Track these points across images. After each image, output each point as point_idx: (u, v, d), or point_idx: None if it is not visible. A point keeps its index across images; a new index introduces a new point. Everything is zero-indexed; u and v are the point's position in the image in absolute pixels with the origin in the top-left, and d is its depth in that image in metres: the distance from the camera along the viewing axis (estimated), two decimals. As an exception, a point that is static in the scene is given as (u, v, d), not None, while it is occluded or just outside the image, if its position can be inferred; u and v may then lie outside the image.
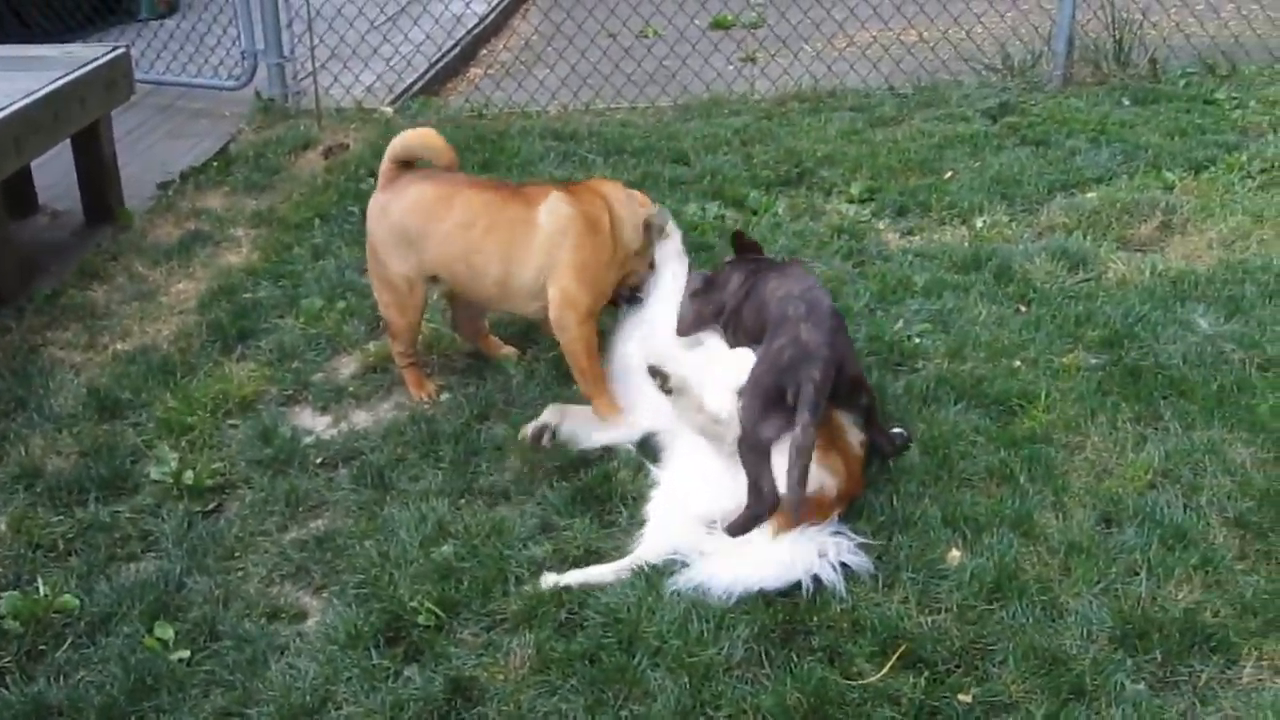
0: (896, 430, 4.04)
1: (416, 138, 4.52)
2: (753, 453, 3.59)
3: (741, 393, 3.69)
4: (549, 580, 3.50)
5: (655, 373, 3.70)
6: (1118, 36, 7.98)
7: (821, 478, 3.64)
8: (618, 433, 4.17)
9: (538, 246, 4.22)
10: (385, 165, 4.43)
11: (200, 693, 3.21)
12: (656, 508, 3.74)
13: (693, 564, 3.49)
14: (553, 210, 4.24)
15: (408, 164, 4.45)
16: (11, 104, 5.41)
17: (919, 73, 8.25)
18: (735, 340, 4.06)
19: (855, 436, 3.87)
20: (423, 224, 4.32)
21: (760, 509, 3.54)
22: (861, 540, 3.54)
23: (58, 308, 5.31)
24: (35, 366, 4.80)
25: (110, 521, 3.90)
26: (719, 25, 10.06)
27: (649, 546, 3.62)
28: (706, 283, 4.25)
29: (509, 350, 4.76)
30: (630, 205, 4.39)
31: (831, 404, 3.71)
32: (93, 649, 3.37)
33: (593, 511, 3.81)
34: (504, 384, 4.52)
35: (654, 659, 3.20)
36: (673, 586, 3.42)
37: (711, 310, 4.19)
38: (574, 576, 3.52)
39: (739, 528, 3.54)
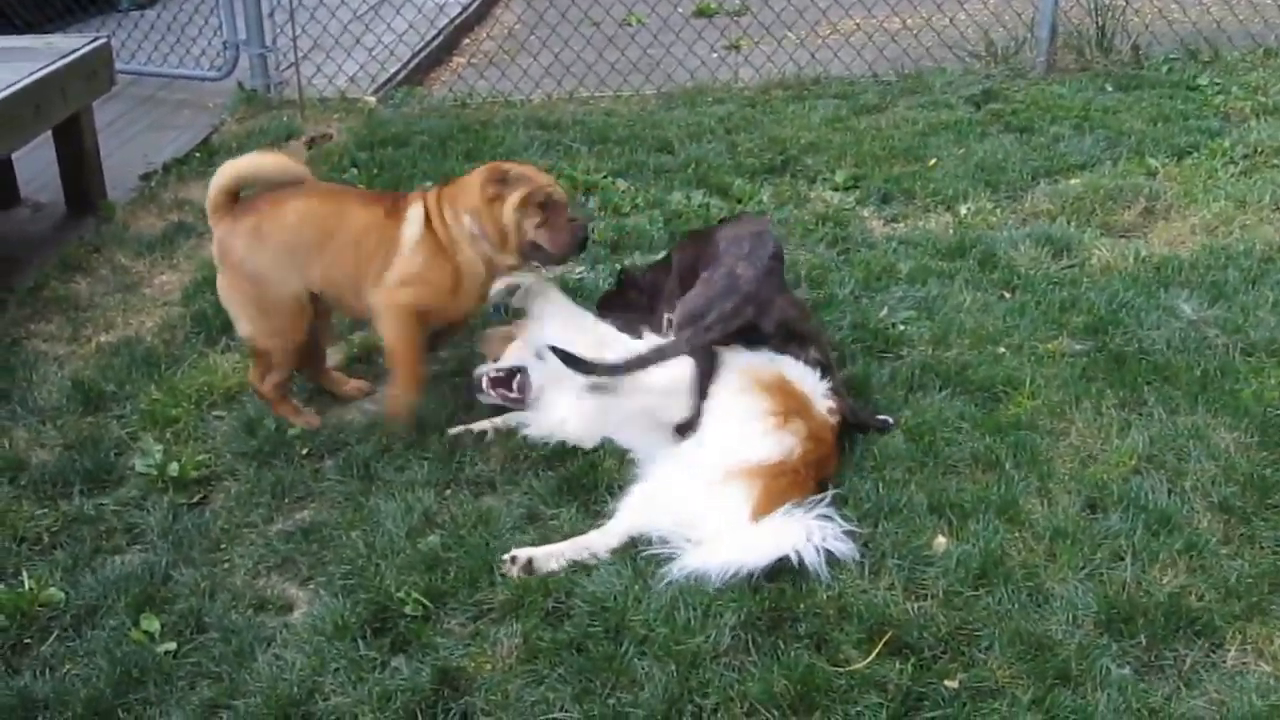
0: (881, 417, 4.05)
1: (250, 164, 4.30)
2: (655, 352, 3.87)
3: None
4: (515, 554, 3.52)
5: (595, 387, 3.93)
6: (1101, 23, 7.99)
7: (786, 441, 3.67)
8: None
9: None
10: (218, 196, 4.15)
11: (187, 685, 3.20)
12: (633, 494, 3.74)
13: (680, 553, 3.48)
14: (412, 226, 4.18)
15: (235, 195, 4.21)
16: (-9, 95, 5.38)
17: (903, 60, 8.25)
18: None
19: (823, 404, 3.90)
20: (311, 239, 4.16)
21: (613, 365, 3.86)
22: (847, 527, 3.54)
23: (40, 300, 5.29)
24: (18, 359, 4.78)
25: (95, 514, 3.88)
26: (702, 13, 10.05)
27: (613, 526, 3.64)
28: (626, 283, 4.47)
29: (354, 385, 4.61)
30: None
31: (770, 347, 3.95)
32: (78, 642, 3.35)
33: (578, 501, 3.81)
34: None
35: (641, 647, 3.20)
36: (666, 578, 3.41)
37: (641, 302, 4.35)
38: (534, 551, 3.54)
39: (586, 368, 3.89)
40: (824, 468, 3.78)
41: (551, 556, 3.54)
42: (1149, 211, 5.70)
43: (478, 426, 4.20)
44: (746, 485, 3.59)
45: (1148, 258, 5.22)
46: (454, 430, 4.18)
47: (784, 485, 3.61)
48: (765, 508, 3.55)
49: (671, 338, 4.00)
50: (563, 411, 4.11)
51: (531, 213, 4.17)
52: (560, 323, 4.20)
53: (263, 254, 4.14)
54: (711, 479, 3.64)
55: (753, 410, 3.75)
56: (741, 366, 3.92)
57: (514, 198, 4.15)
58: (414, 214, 4.20)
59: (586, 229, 4.39)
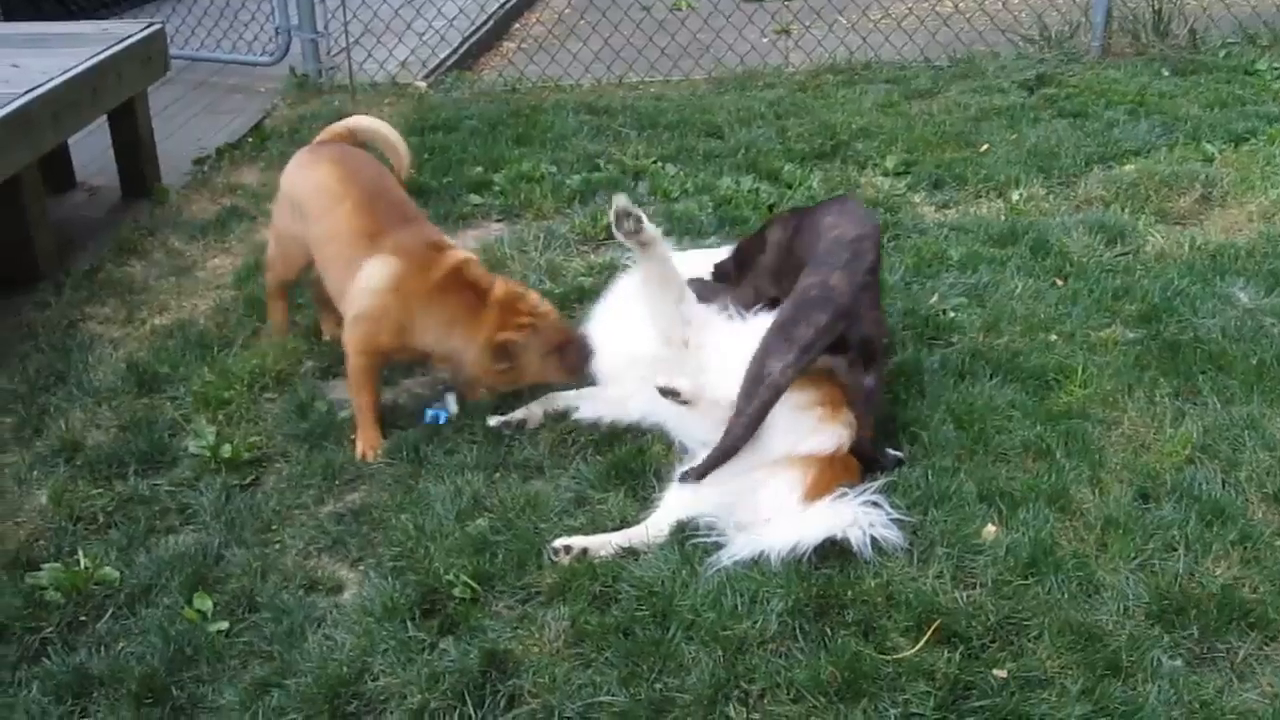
0: (893, 453, 3.91)
1: (370, 125, 4.71)
2: (752, 383, 3.64)
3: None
4: (568, 543, 3.52)
5: (667, 393, 3.75)
6: (1157, 6, 7.89)
7: (840, 434, 3.66)
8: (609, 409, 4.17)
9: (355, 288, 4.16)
10: (330, 130, 4.61)
11: (239, 663, 3.24)
12: (679, 490, 3.72)
13: (730, 539, 3.48)
14: (374, 268, 4.13)
15: (354, 140, 4.58)
16: (49, 80, 5.44)
17: (954, 44, 8.19)
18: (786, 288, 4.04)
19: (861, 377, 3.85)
20: (310, 207, 4.38)
21: (730, 445, 3.61)
22: (895, 515, 3.52)
23: (96, 283, 5.35)
24: (74, 341, 4.84)
25: (149, 495, 3.93)
26: (753, -3, 10.00)
27: (662, 517, 3.63)
28: (737, 256, 4.30)
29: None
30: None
31: (839, 358, 3.78)
32: (133, 620, 3.40)
33: (626, 486, 3.81)
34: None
35: (688, 632, 3.21)
36: (715, 564, 3.41)
37: (749, 280, 4.23)
38: (581, 541, 3.54)
39: (705, 469, 3.63)
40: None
41: (603, 547, 3.54)
42: (1205, 198, 5.62)
43: (516, 416, 4.19)
44: (800, 472, 3.58)
45: (1203, 245, 5.15)
46: (493, 421, 4.18)
47: (835, 475, 3.60)
48: (816, 494, 3.54)
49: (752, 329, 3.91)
50: (627, 390, 4.10)
51: (550, 363, 4.11)
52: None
53: (287, 186, 4.52)
54: (764, 465, 3.63)
55: (803, 400, 3.70)
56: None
57: (535, 362, 4.09)
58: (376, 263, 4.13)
59: (584, 347, 4.18)
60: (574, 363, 4.13)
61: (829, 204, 4.24)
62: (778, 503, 3.55)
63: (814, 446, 3.64)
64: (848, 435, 3.68)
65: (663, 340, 3.93)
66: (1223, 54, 7.62)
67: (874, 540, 3.43)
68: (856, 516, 3.47)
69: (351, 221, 4.23)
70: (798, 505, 3.54)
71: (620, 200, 3.76)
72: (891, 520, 3.50)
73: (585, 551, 3.51)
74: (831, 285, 3.76)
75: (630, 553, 3.52)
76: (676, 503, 3.65)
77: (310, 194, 4.40)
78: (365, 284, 4.11)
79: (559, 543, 3.53)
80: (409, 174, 4.83)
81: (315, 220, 4.36)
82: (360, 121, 4.78)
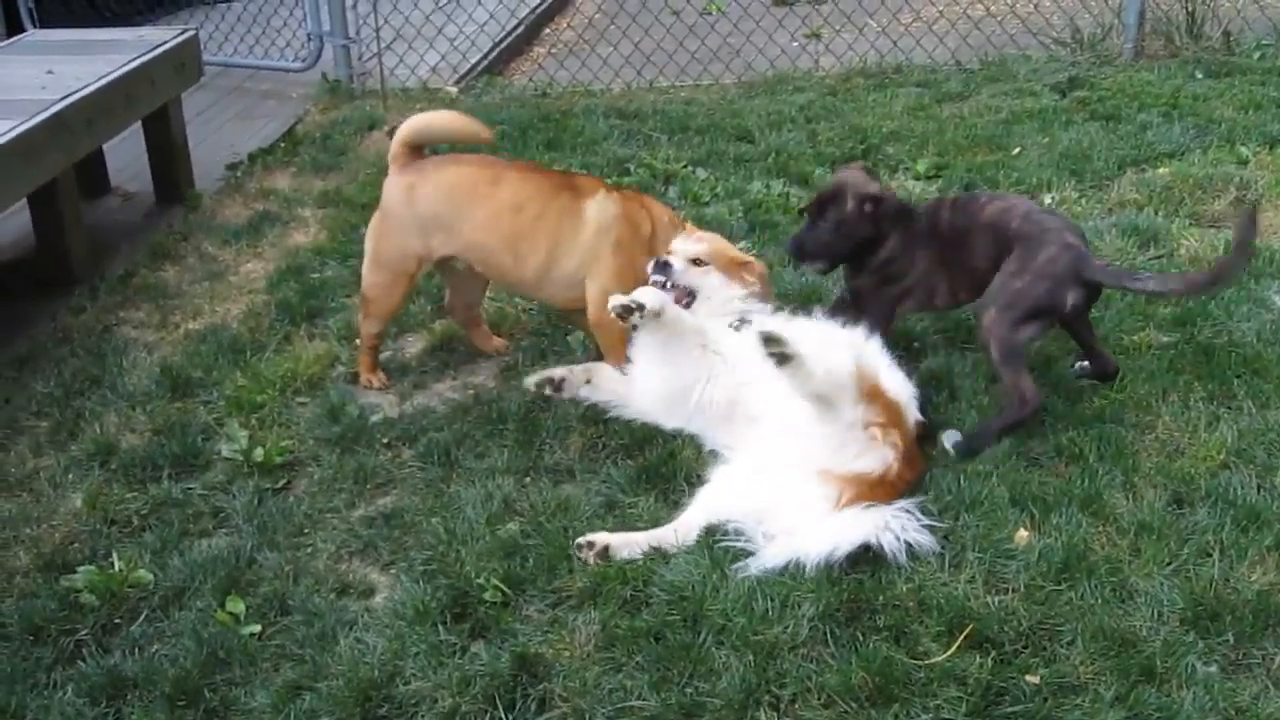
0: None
1: (439, 121, 4.58)
2: (1013, 357, 3.88)
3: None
4: (593, 539, 3.53)
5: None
6: (1190, 8, 7.84)
7: (886, 456, 3.62)
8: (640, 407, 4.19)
9: (583, 241, 4.26)
10: (397, 148, 4.40)
11: (271, 666, 3.25)
12: (710, 485, 3.74)
13: (761, 546, 3.47)
14: (601, 207, 4.28)
15: (418, 148, 4.44)
16: (84, 87, 5.50)
17: (986, 47, 8.15)
18: (933, 294, 4.22)
19: (913, 415, 3.85)
20: (463, 205, 4.33)
21: (1023, 413, 3.88)
22: (928, 522, 3.51)
23: (130, 287, 5.40)
24: (109, 345, 4.88)
25: (183, 498, 3.96)
26: (782, 2, 9.98)
27: (690, 518, 3.63)
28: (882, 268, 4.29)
29: (498, 342, 4.77)
30: (670, 228, 4.37)
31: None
32: (166, 622, 3.42)
33: (657, 490, 3.81)
34: (570, 363, 4.52)
35: (719, 637, 3.20)
36: (744, 571, 3.40)
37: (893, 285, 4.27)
38: (605, 538, 3.55)
39: (999, 432, 3.88)
40: (908, 484, 3.70)
41: (627, 545, 3.55)
42: (1239, 201, 5.58)
43: (556, 373, 4.29)
44: (838, 490, 3.55)
45: (1238, 248, 5.11)
46: (530, 381, 4.28)
47: (874, 498, 3.56)
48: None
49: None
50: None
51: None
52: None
53: (404, 210, 4.36)
54: (804, 475, 3.60)
55: (857, 417, 3.62)
56: (852, 369, 3.69)
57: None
58: (601, 200, 4.32)
59: None
60: None
61: (961, 201, 4.35)
62: (809, 517, 3.52)
63: (860, 467, 3.60)
64: (894, 459, 3.63)
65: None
66: (1257, 55, 7.56)
67: (907, 545, 3.42)
68: (888, 522, 3.45)
69: (527, 188, 4.32)
70: (829, 511, 3.52)
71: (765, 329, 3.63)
72: (923, 526, 3.48)
73: (608, 549, 3.52)
74: (1073, 245, 3.94)
75: (659, 555, 3.52)
76: (704, 506, 3.65)
77: (450, 196, 4.34)
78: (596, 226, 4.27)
79: (584, 539, 3.54)
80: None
81: (467, 217, 4.31)
82: (417, 124, 4.47)
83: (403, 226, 4.37)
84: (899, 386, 3.85)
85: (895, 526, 3.45)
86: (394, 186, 4.40)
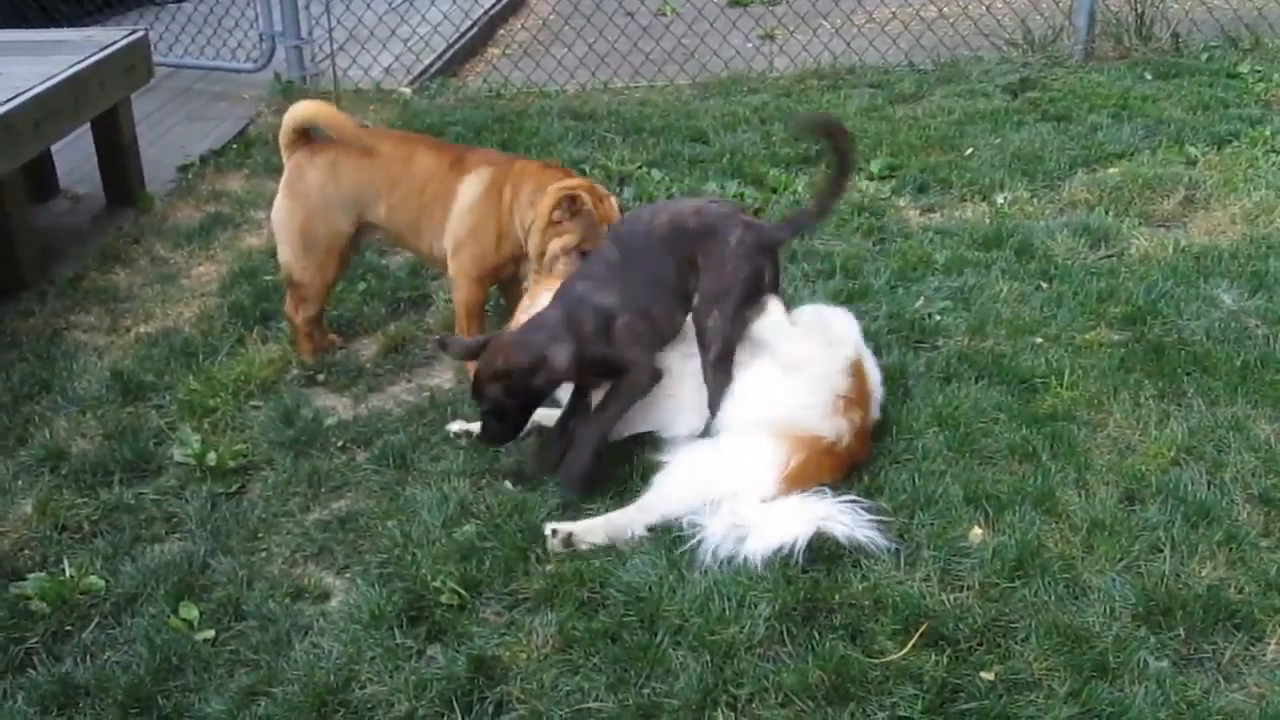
0: None
1: (312, 109, 4.57)
2: (730, 354, 3.85)
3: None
4: (556, 527, 3.58)
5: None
6: (1139, 10, 7.93)
7: (839, 427, 3.70)
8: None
9: (452, 219, 4.43)
10: (288, 135, 4.52)
11: (225, 672, 3.23)
12: (663, 477, 3.76)
13: (710, 541, 3.49)
14: (469, 185, 4.42)
15: (305, 133, 4.55)
16: (31, 88, 5.42)
17: (939, 49, 8.21)
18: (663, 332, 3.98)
19: (875, 409, 3.90)
20: (380, 182, 4.48)
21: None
22: (880, 518, 3.53)
23: (80, 291, 5.34)
24: (59, 350, 4.83)
25: (135, 503, 3.92)
26: (737, 2, 10.02)
27: (649, 499, 3.68)
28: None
29: None
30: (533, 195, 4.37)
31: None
32: (119, 629, 3.39)
33: (613, 493, 3.80)
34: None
35: (676, 637, 3.20)
36: (701, 566, 3.42)
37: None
38: (574, 525, 3.60)
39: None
40: (853, 466, 3.79)
41: (591, 531, 3.58)
42: (1189, 201, 5.65)
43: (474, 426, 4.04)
44: (787, 452, 3.63)
45: (1187, 247, 5.17)
46: (453, 427, 4.18)
47: (818, 469, 3.65)
48: (796, 479, 3.60)
49: None
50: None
51: (568, 254, 4.24)
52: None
53: (325, 189, 4.49)
54: (754, 437, 3.68)
55: (833, 385, 3.77)
56: (856, 341, 3.96)
57: (568, 238, 4.22)
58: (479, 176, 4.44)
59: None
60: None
61: (626, 220, 4.17)
62: (753, 478, 3.60)
63: (816, 429, 3.68)
64: (847, 432, 3.72)
65: None
66: (1205, 57, 7.65)
67: (859, 544, 3.44)
68: (833, 512, 3.49)
69: (435, 164, 4.48)
70: (772, 486, 3.59)
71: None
72: (872, 520, 3.51)
73: (571, 537, 3.56)
74: (757, 226, 3.94)
75: (617, 556, 3.52)
76: (661, 487, 3.70)
77: (368, 174, 4.47)
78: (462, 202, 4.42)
79: (549, 527, 3.58)
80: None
81: (391, 190, 4.47)
82: (301, 112, 4.54)
83: (328, 205, 4.49)
84: (875, 378, 3.97)
85: (844, 518, 3.48)
86: (313, 166, 4.51)
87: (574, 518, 3.66)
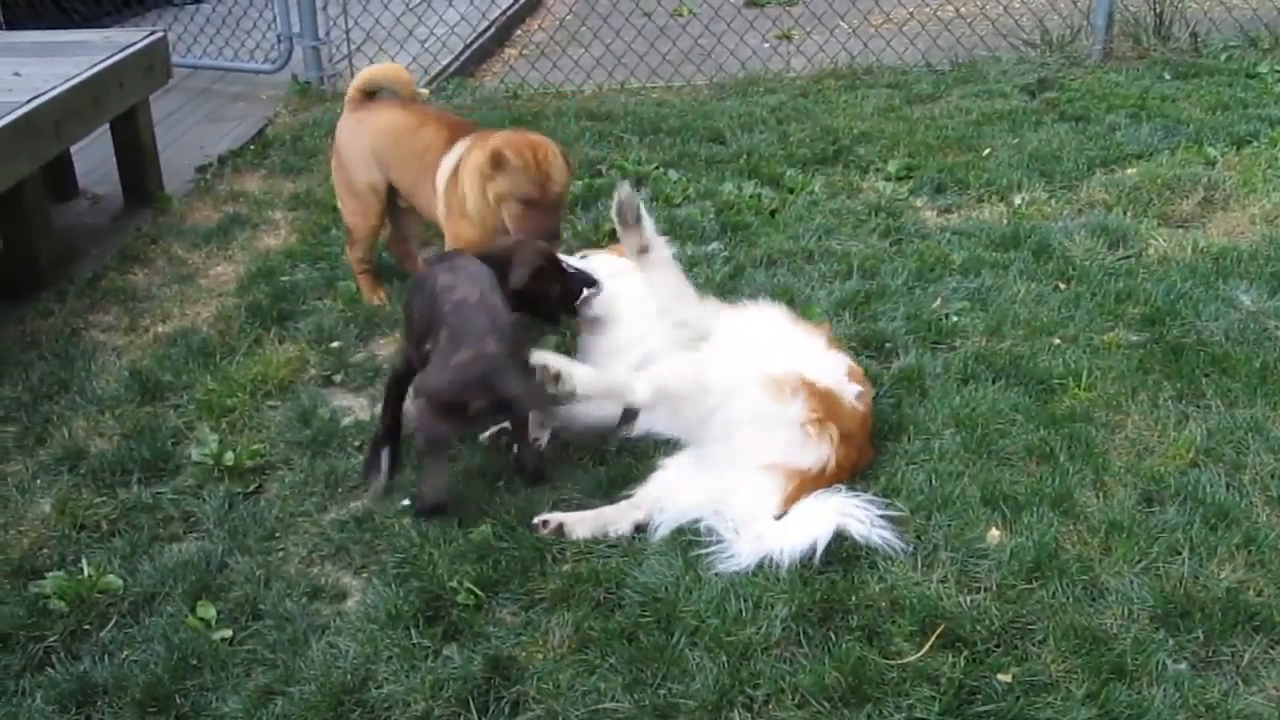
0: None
1: (382, 71, 5.17)
2: (434, 449, 3.75)
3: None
4: (547, 518, 3.64)
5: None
6: (1158, 10, 7.89)
7: (822, 451, 3.67)
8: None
9: (438, 189, 4.68)
10: (352, 92, 5.05)
11: (243, 671, 3.24)
12: (664, 469, 3.80)
13: (733, 545, 3.49)
14: (450, 158, 4.65)
15: (371, 94, 5.04)
16: (51, 89, 5.45)
17: (956, 49, 8.19)
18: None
19: (851, 394, 3.84)
20: (390, 146, 4.88)
21: (425, 507, 3.73)
22: (888, 513, 3.54)
23: (99, 291, 5.36)
24: (78, 349, 4.84)
25: (153, 502, 3.93)
26: (754, 3, 10.01)
27: (636, 499, 3.71)
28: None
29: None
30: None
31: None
32: (136, 628, 3.40)
33: (627, 495, 3.80)
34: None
35: (692, 638, 3.20)
36: (717, 568, 3.43)
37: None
38: (565, 516, 3.65)
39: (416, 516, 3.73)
40: (859, 461, 3.79)
41: (580, 523, 3.63)
42: (1208, 201, 5.62)
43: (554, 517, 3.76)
44: (781, 482, 3.62)
45: (1206, 248, 5.15)
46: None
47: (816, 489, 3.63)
48: (795, 500, 3.59)
49: None
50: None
51: (512, 207, 4.40)
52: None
53: (353, 145, 4.98)
54: (748, 469, 3.66)
55: (795, 415, 3.68)
56: (763, 373, 3.76)
57: (499, 188, 4.40)
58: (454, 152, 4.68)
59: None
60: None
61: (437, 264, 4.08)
62: (753, 510, 3.58)
63: (800, 461, 3.65)
64: (830, 453, 3.67)
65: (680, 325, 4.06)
66: (1224, 57, 7.61)
67: (875, 545, 3.45)
68: (851, 508, 3.50)
69: (439, 141, 4.73)
70: (776, 507, 3.58)
71: (624, 190, 3.97)
72: (885, 518, 3.52)
73: (562, 527, 3.62)
74: (490, 354, 3.65)
75: (633, 557, 3.52)
76: (653, 486, 3.73)
77: (383, 135, 4.90)
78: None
79: (540, 518, 3.64)
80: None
81: (400, 155, 4.85)
82: (368, 76, 5.12)
83: (356, 157, 4.96)
84: (829, 370, 3.86)
85: (859, 514, 3.49)
86: (345, 123, 5.05)
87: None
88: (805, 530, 3.45)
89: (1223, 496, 3.65)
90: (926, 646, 3.15)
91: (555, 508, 3.75)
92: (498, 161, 4.36)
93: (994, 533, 3.54)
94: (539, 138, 4.55)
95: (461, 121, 4.99)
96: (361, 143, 4.94)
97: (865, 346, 4.51)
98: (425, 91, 7.91)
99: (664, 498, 3.69)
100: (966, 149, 6.41)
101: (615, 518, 3.66)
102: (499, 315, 3.74)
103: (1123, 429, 4.01)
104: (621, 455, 4.01)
